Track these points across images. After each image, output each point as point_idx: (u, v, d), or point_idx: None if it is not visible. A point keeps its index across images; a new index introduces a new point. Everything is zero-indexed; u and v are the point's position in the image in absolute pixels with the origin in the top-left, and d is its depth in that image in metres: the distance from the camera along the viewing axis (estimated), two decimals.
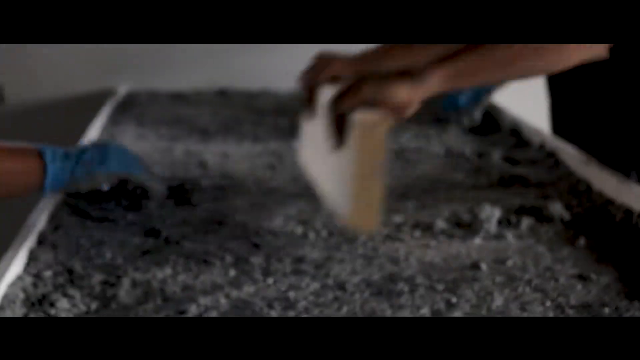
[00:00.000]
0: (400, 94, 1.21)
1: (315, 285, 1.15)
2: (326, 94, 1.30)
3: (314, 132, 1.39)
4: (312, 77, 1.41)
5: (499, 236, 1.34)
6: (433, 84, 1.23)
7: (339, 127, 1.21)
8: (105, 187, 1.43)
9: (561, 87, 2.14)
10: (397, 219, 1.40)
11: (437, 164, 1.76)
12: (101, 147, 1.45)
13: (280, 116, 2.27)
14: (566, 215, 1.42)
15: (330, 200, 1.28)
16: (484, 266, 1.21)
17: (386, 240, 1.32)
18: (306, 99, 1.41)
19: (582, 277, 1.18)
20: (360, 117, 1.16)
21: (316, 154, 1.39)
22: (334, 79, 1.37)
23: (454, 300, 1.11)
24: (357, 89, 1.20)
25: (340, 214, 1.23)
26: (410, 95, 1.21)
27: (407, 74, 1.22)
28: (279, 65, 2.68)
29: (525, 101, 2.40)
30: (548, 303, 1.10)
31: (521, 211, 1.45)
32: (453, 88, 1.27)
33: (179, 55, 2.67)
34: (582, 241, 1.32)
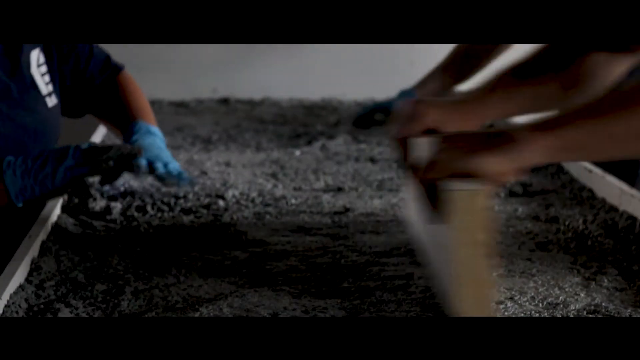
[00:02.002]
0: (493, 166, 1.03)
1: (319, 294, 1.15)
2: (420, 146, 1.20)
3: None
4: (406, 129, 1.26)
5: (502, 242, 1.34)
6: (532, 156, 1.03)
7: (432, 199, 1.07)
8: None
9: None
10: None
11: None
12: (61, 148, 1.42)
13: (282, 125, 2.27)
14: (569, 223, 1.41)
15: (441, 279, 1.15)
16: None
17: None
18: (400, 152, 1.27)
19: (586, 285, 1.18)
20: (455, 189, 1.02)
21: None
22: (428, 131, 1.24)
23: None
24: (445, 160, 1.05)
25: (449, 300, 1.08)
26: (505, 167, 1.04)
27: (505, 141, 1.04)
28: (280, 74, 2.68)
29: None
30: (551, 310, 1.10)
31: (524, 219, 1.45)
32: (556, 161, 1.11)
33: (181, 64, 2.67)
34: (585, 248, 1.31)
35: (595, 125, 1.02)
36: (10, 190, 1.37)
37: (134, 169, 1.40)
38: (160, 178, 1.42)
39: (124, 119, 1.66)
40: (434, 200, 1.07)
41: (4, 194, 1.37)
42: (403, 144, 1.26)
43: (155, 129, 1.60)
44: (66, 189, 1.37)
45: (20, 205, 1.38)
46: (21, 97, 1.54)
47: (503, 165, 1.04)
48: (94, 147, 1.36)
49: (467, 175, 1.04)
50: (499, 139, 1.04)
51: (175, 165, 1.47)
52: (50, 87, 1.60)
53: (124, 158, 1.36)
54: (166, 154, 1.51)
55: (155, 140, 1.56)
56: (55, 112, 1.62)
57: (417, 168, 1.09)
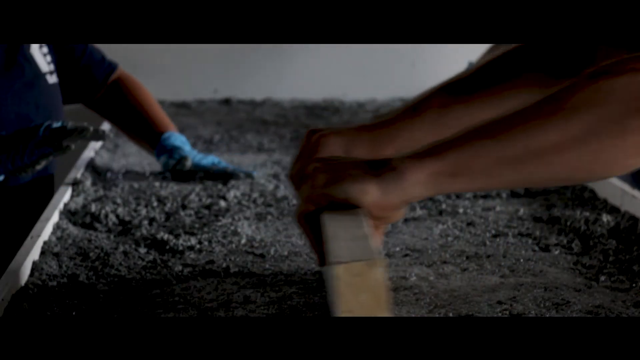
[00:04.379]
0: (368, 194, 0.89)
1: (321, 295, 1.15)
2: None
3: None
4: (301, 167, 1.06)
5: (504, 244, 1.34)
6: (414, 187, 0.89)
7: (315, 237, 0.94)
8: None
9: None
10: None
11: None
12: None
13: (283, 125, 2.27)
14: (571, 224, 1.41)
15: None
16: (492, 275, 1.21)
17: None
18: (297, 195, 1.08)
19: (588, 285, 1.18)
20: (340, 261, 0.79)
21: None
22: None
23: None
24: (313, 182, 0.92)
25: None
26: (385, 199, 0.90)
27: (384, 168, 0.90)
28: (282, 75, 2.68)
29: None
30: (554, 311, 1.10)
31: (526, 219, 1.45)
32: (444, 192, 0.93)
33: (182, 64, 2.67)
34: (587, 249, 1.31)
35: (483, 144, 0.88)
36: None
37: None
38: (231, 175, 1.69)
39: (149, 132, 1.79)
40: (316, 238, 0.94)
41: None
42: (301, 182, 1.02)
43: (181, 136, 1.77)
44: (37, 163, 1.47)
45: (1, 179, 1.45)
46: (20, 72, 1.60)
47: (382, 197, 0.90)
48: (62, 128, 1.43)
49: (342, 204, 0.90)
50: (378, 165, 0.91)
51: (224, 163, 1.74)
52: (51, 67, 1.68)
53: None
54: (209, 156, 1.74)
55: (187, 147, 1.75)
56: (55, 89, 1.69)
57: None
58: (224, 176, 1.71)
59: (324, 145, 1.06)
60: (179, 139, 1.75)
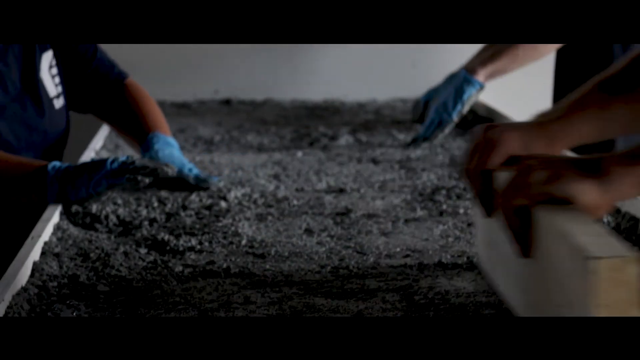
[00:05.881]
0: (587, 194, 0.95)
1: (322, 295, 1.15)
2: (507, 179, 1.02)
3: (498, 232, 1.08)
4: (481, 162, 1.08)
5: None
6: (624, 190, 0.95)
7: (523, 230, 0.98)
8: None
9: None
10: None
11: (442, 173, 1.76)
12: (96, 161, 1.51)
13: (284, 126, 2.27)
14: None
15: None
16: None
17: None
18: (476, 190, 1.09)
19: None
20: (600, 256, 0.83)
21: (507, 261, 1.09)
22: (510, 162, 1.08)
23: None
24: (534, 182, 0.96)
25: None
26: (600, 199, 0.95)
27: (598, 170, 0.95)
28: (282, 75, 2.68)
29: (529, 109, 2.40)
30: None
31: None
32: None
33: (183, 65, 2.67)
34: None
35: None
36: (49, 192, 1.48)
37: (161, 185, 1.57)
38: (192, 184, 1.59)
39: (139, 129, 1.76)
40: (524, 231, 0.98)
41: (31, 194, 1.49)
42: (480, 177, 1.09)
43: (171, 139, 1.72)
44: (104, 193, 1.49)
45: (52, 203, 1.50)
46: (32, 100, 1.61)
47: (600, 197, 0.95)
48: (131, 162, 1.45)
49: (559, 201, 0.95)
50: (592, 166, 0.96)
51: (198, 171, 1.63)
52: (59, 89, 1.69)
53: (159, 180, 1.50)
54: (187, 163, 1.65)
55: (173, 151, 1.67)
56: (61, 113, 1.70)
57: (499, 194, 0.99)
58: (185, 186, 1.61)
59: (503, 140, 1.09)
60: (161, 141, 1.69)
